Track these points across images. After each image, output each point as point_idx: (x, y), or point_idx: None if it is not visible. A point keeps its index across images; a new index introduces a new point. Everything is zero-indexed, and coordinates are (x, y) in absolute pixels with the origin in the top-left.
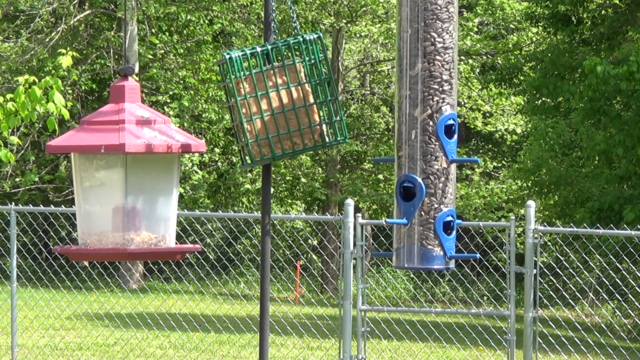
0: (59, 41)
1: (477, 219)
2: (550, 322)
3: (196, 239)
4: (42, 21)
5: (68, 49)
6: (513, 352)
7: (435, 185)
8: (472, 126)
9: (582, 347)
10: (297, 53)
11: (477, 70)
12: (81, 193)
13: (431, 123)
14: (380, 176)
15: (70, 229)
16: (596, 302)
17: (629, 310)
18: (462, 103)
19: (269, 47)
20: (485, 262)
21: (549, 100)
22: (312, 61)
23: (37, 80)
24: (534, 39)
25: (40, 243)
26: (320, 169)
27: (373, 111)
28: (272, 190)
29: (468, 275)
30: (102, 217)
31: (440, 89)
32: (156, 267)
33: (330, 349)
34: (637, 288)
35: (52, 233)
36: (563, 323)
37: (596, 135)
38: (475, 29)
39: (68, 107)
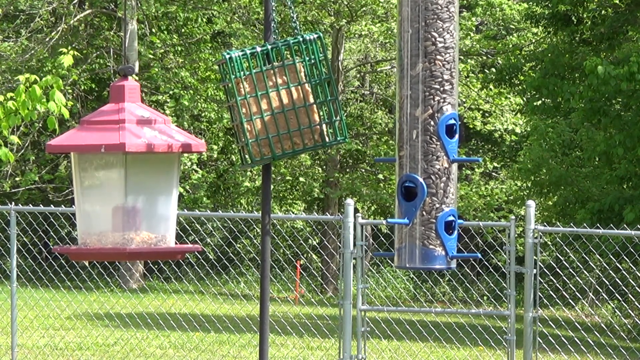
0: (58, 41)
1: (477, 219)
2: (550, 322)
3: (196, 239)
4: (42, 21)
5: (69, 47)
6: (513, 352)
7: (437, 185)
8: (471, 125)
9: (582, 347)
10: (297, 53)
11: (477, 70)
12: (81, 193)
13: (432, 123)
14: (380, 176)
15: (70, 229)
16: (596, 302)
17: (629, 310)
18: (461, 102)
19: (269, 47)
20: (485, 262)
21: (549, 100)
22: (312, 61)
23: (38, 79)
24: (534, 40)
25: (40, 243)
26: (320, 168)
27: (372, 111)
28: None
29: (468, 275)
30: (101, 216)
31: (442, 88)
32: (156, 267)
33: (330, 349)
34: (637, 288)
35: (52, 233)
36: (563, 323)
37: (596, 135)
38: (474, 29)
39: (68, 107)
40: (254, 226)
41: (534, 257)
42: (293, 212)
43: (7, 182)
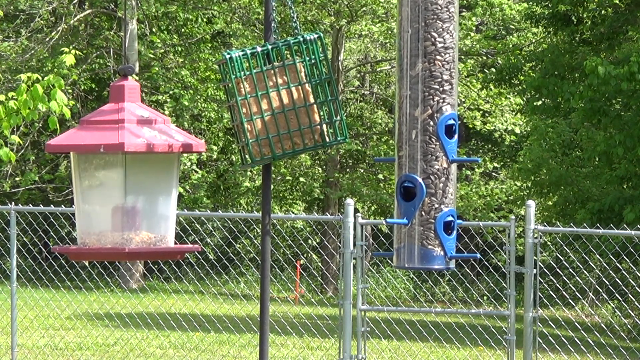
0: (58, 41)
1: (477, 219)
2: (550, 322)
3: (196, 239)
4: (42, 20)
5: (71, 47)
6: (513, 352)
7: (436, 185)
8: (471, 125)
9: (582, 347)
10: (298, 53)
11: (477, 70)
12: (80, 192)
13: (432, 123)
14: (380, 176)
15: (70, 229)
16: (596, 302)
17: (629, 310)
18: (461, 102)
19: (269, 47)
20: (485, 262)
21: (549, 100)
22: (313, 61)
23: (40, 78)
24: (534, 40)
25: (40, 243)
26: (320, 168)
27: (372, 111)
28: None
29: (468, 275)
30: (101, 216)
31: (441, 88)
32: (156, 267)
33: (330, 349)
34: (637, 288)
35: (52, 233)
36: (563, 323)
37: (596, 135)
38: (474, 29)
39: (69, 106)
40: (254, 226)
41: (534, 257)
42: (293, 212)
43: (7, 182)
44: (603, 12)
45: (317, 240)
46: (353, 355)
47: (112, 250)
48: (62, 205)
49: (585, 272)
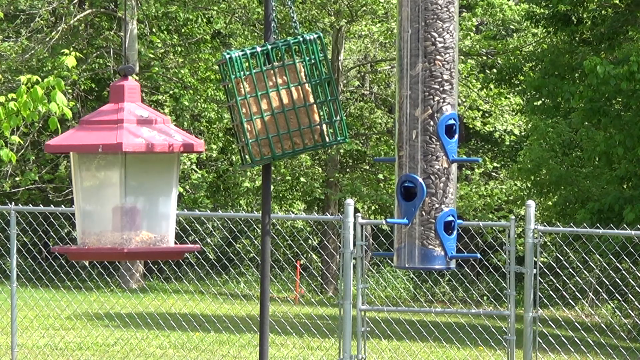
0: (59, 41)
1: (477, 219)
2: (550, 322)
3: (196, 239)
4: (42, 20)
5: (71, 49)
6: (513, 352)
7: (436, 185)
8: (470, 125)
9: (582, 347)
10: (297, 53)
11: (477, 70)
12: (80, 192)
13: (432, 123)
14: (380, 176)
15: (70, 229)
16: (596, 302)
17: (629, 310)
18: (460, 102)
19: (269, 47)
20: (485, 262)
21: (549, 100)
22: (312, 61)
23: (39, 80)
24: (534, 40)
25: (40, 243)
26: (320, 168)
27: (372, 111)
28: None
29: (468, 275)
30: (101, 216)
31: (441, 88)
32: (156, 267)
33: (330, 349)
34: (637, 288)
35: (52, 233)
36: (563, 323)
37: (596, 135)
38: (474, 29)
39: (69, 107)
40: (254, 226)
41: (534, 257)
42: (293, 212)
43: (7, 182)
44: (603, 12)
45: (317, 240)
46: (353, 355)
47: (112, 251)
48: (62, 205)
49: (585, 272)
